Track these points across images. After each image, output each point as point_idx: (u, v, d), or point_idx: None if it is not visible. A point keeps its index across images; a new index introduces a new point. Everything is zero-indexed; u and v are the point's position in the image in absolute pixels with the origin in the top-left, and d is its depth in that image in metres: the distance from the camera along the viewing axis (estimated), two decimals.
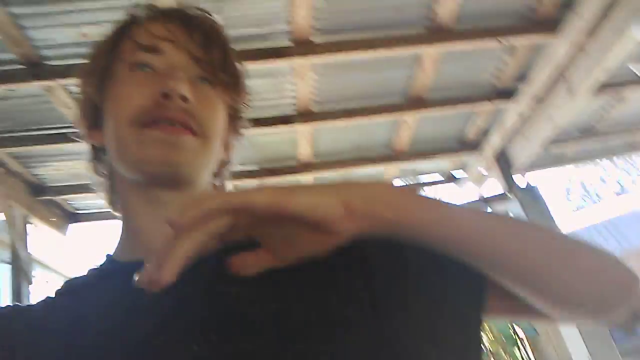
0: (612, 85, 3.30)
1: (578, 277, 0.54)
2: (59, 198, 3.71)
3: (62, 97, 2.60)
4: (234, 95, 0.74)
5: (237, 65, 0.75)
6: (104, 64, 0.71)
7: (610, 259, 0.58)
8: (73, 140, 2.99)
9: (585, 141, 4.09)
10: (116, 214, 0.72)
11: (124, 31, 0.73)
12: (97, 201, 3.87)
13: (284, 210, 0.41)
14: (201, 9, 0.75)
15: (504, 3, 2.55)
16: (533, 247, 0.53)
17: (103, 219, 4.03)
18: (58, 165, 3.33)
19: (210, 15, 0.75)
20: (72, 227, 3.99)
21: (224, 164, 0.78)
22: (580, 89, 2.83)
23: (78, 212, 4.02)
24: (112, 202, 0.74)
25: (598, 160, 4.60)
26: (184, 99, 0.64)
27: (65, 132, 2.89)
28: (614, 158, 4.75)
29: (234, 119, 0.77)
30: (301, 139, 3.40)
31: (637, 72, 2.59)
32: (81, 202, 3.92)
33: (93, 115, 0.72)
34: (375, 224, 0.45)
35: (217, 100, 0.70)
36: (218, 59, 0.70)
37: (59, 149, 3.07)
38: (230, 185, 0.83)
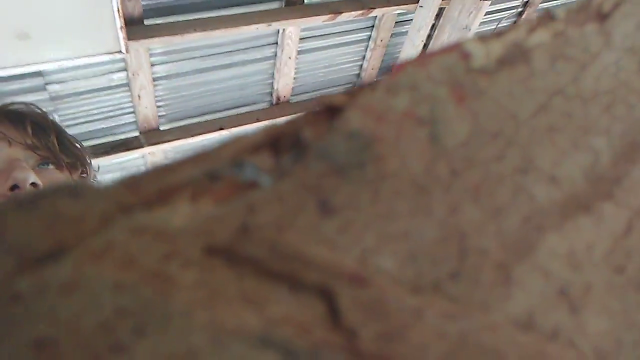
0: None
1: None
2: None
3: None
4: (83, 173, 0.75)
5: (76, 144, 0.77)
6: None
7: None
8: None
9: None
10: None
11: None
12: None
13: None
14: (25, 103, 0.76)
15: (332, 72, 2.85)
16: None
17: None
18: None
19: (36, 106, 0.76)
20: None
21: None
22: None
23: None
24: None
25: None
26: (35, 185, 0.64)
27: None
28: None
29: None
30: None
31: None
32: None
33: None
34: None
35: (64, 180, 0.70)
36: (55, 143, 0.71)
37: None
38: None
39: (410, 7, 2.56)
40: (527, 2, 3.10)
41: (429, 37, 2.69)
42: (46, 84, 2.07)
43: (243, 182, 0.16)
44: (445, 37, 2.64)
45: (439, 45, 2.66)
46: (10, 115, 0.72)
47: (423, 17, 2.55)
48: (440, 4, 2.50)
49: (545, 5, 3.22)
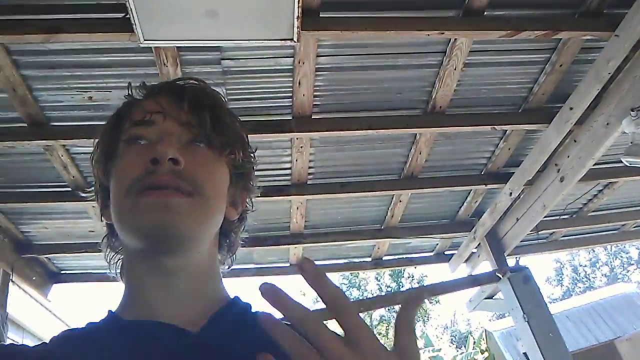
0: (602, 173, 3.39)
1: None
2: (43, 257, 3.64)
3: (61, 157, 2.62)
4: (232, 153, 0.74)
5: (234, 123, 0.76)
6: (107, 147, 0.74)
7: None
8: (66, 199, 2.94)
9: (574, 225, 4.14)
10: (122, 282, 0.73)
11: (123, 113, 0.76)
12: (83, 261, 3.80)
13: None
14: (193, 78, 0.77)
15: (497, 91, 2.67)
16: None
17: (87, 281, 3.94)
18: (47, 224, 3.29)
19: (202, 82, 0.77)
20: (55, 287, 3.90)
21: (233, 222, 0.77)
22: (570, 175, 2.90)
23: (62, 272, 3.94)
24: (121, 272, 0.75)
25: (588, 245, 4.62)
26: (175, 161, 0.65)
27: (59, 190, 2.89)
28: (605, 243, 4.78)
29: (240, 177, 0.77)
30: (294, 210, 3.41)
31: (626, 163, 2.65)
32: (66, 262, 3.84)
33: (104, 196, 0.74)
34: None
35: (213, 159, 0.71)
36: (209, 121, 0.71)
37: (51, 207, 3.05)
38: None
39: (604, 34, 2.29)
40: None
41: (618, 69, 2.38)
42: (222, 59, 2.21)
43: None
44: (638, 73, 2.32)
45: (630, 80, 2.33)
46: (172, 89, 0.75)
47: (617, 48, 2.26)
48: None
49: None
